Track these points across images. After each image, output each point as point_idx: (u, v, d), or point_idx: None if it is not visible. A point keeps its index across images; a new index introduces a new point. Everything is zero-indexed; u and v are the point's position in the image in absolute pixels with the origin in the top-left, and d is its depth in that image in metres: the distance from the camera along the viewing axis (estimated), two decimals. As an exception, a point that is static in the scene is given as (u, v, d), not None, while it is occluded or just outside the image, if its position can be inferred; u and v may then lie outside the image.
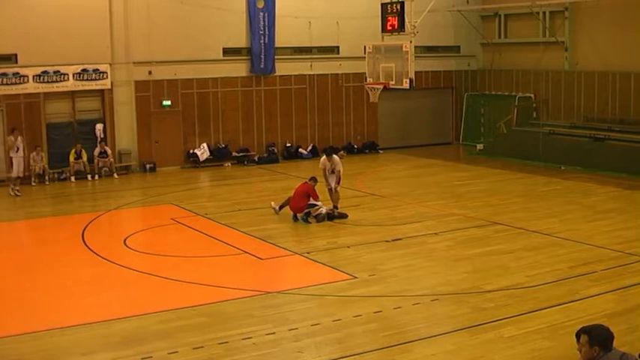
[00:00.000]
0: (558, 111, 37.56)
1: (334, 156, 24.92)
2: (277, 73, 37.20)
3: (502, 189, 28.95)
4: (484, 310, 15.26)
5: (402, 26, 28.13)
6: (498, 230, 22.15)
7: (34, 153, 31.13)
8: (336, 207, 24.37)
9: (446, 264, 18.88)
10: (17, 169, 29.52)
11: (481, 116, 40.97)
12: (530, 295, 16.15)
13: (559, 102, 37.66)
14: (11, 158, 29.78)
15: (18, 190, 29.48)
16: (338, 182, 24.63)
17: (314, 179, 24.08)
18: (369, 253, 19.91)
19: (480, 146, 38.95)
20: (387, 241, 20.98)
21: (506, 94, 39.70)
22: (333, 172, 24.69)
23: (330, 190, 24.68)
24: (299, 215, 23.55)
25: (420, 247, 20.42)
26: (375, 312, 15.25)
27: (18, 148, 29.57)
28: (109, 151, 33.35)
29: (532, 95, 38.57)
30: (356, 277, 17.68)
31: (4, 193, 29.96)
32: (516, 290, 16.49)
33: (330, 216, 23.81)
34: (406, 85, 27.64)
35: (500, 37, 41.08)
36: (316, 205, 23.59)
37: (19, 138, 29.85)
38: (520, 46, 39.83)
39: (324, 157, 25.04)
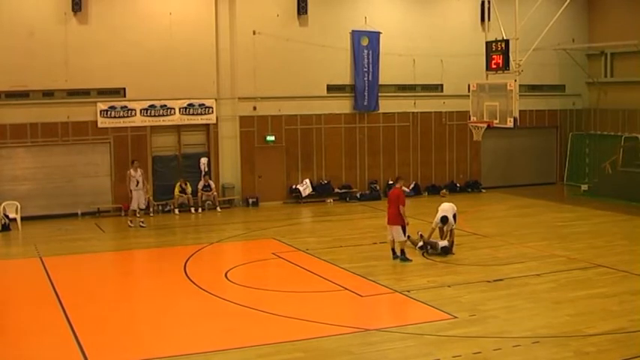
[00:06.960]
0: (665, 152, 36.78)
1: (449, 220, 24.49)
2: (381, 111, 37.26)
3: (606, 231, 28.44)
4: (586, 354, 14.99)
5: (506, 65, 28.01)
6: (602, 273, 21.74)
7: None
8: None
9: (547, 306, 18.63)
10: (136, 203, 29.81)
11: (586, 156, 40.44)
12: (633, 340, 15.84)
13: (666, 143, 36.91)
14: (131, 191, 29.84)
15: (142, 222, 30.03)
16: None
17: (399, 179, 24.16)
18: (470, 293, 19.75)
19: (584, 187, 38.37)
20: (488, 282, 20.80)
21: (612, 134, 39.02)
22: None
23: (442, 232, 24.77)
24: (396, 250, 23.41)
25: (521, 289, 20.16)
26: (475, 353, 15.11)
27: (138, 182, 29.70)
28: (213, 185, 33.86)
29: (638, 135, 37.86)
30: (456, 317, 17.56)
31: (108, 224, 30.64)
32: (619, 335, 16.16)
33: (446, 249, 23.92)
34: (510, 123, 27.49)
35: (606, 76, 40.51)
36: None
37: (139, 171, 29.95)
38: (627, 86, 39.09)
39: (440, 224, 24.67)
